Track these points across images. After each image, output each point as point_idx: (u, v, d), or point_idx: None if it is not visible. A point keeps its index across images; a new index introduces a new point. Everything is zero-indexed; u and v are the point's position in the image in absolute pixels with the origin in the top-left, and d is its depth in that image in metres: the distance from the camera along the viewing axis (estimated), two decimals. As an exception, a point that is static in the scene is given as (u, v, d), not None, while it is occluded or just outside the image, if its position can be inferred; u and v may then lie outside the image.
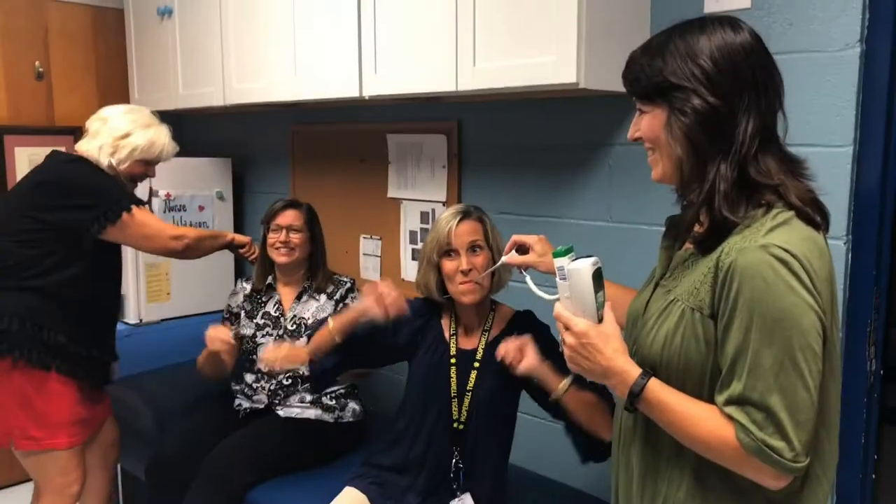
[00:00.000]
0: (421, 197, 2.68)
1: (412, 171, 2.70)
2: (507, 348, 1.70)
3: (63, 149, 2.41)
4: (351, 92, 2.38)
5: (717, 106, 1.13)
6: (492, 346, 1.86)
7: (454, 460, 1.87)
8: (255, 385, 2.53)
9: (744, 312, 1.08)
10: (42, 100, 3.31)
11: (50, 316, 2.19)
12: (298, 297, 2.56)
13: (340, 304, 2.52)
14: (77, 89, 3.40)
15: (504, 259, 1.74)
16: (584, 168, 2.23)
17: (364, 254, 2.92)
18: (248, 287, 2.63)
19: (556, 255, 1.24)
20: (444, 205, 2.60)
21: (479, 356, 1.89)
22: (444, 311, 1.97)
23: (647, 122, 1.23)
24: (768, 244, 1.07)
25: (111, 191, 2.25)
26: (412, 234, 2.73)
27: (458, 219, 1.86)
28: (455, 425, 1.88)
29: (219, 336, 2.35)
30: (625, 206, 2.15)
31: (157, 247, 2.31)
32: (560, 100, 2.25)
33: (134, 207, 2.24)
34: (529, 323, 1.93)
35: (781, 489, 1.12)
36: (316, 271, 2.56)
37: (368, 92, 2.35)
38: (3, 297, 2.19)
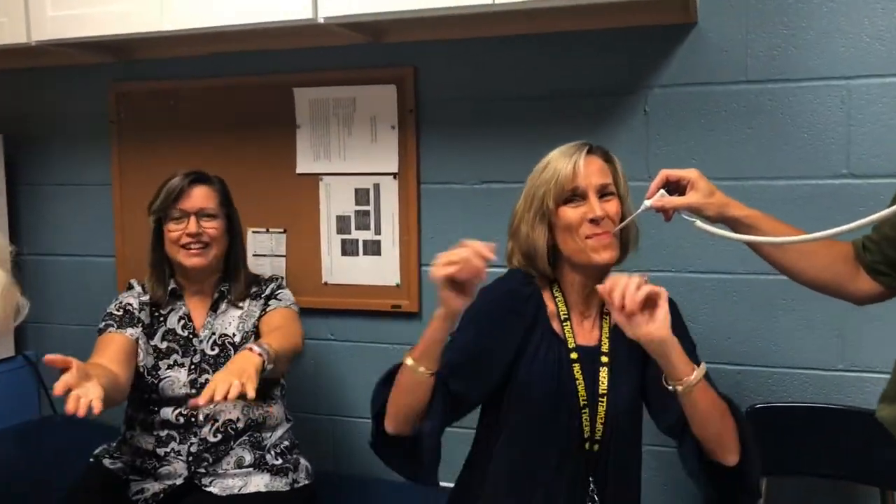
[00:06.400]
0: (356, 170, 2.02)
1: (339, 135, 2.03)
2: (615, 283, 1.17)
3: None
4: (298, 13, 1.67)
5: None
6: (617, 331, 1.32)
7: (590, 496, 1.32)
8: (160, 451, 1.64)
9: None
10: None
11: None
12: (214, 308, 1.74)
13: (269, 302, 1.76)
14: None
15: (650, 202, 1.27)
16: (610, 118, 1.82)
17: (255, 254, 2.14)
18: (142, 293, 1.74)
19: None
20: (395, 177, 1.99)
21: (605, 348, 1.36)
22: (543, 288, 1.39)
23: None
24: None
25: None
26: (342, 220, 2.04)
27: (584, 151, 1.33)
28: (587, 446, 1.33)
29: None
30: (670, 159, 1.78)
31: None
32: (575, 34, 1.82)
33: None
34: None
35: None
36: (236, 272, 1.76)
37: (326, 12, 1.66)
38: None
